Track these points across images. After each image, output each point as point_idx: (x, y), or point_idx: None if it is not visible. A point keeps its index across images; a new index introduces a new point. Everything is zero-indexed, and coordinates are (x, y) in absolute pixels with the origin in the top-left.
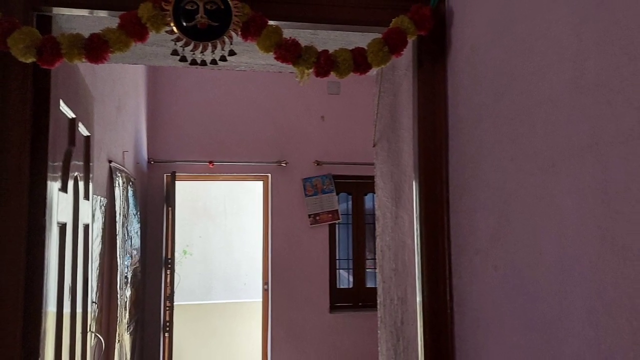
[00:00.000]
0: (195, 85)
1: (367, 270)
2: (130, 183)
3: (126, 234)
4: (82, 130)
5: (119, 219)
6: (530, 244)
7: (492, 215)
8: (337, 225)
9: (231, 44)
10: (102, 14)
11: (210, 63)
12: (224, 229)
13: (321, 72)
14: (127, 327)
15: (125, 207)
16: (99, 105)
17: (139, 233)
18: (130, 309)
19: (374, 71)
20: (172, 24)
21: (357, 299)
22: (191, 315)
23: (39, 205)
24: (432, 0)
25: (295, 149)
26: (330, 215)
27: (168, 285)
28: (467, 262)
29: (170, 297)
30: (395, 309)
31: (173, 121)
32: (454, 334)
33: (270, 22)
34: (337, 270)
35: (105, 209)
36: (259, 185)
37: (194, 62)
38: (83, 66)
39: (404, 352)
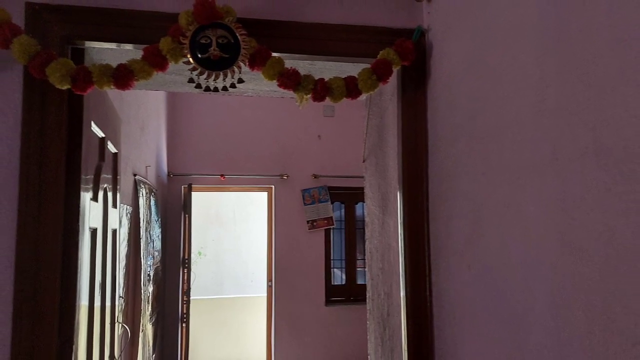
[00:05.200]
0: (209, 109)
1: (358, 269)
2: (153, 193)
3: (149, 238)
4: (111, 147)
5: (142, 224)
6: (499, 246)
7: (466, 221)
8: (331, 230)
9: (240, 73)
10: (128, 47)
11: (222, 89)
12: (234, 233)
13: (318, 97)
14: (150, 318)
15: (148, 215)
16: (125, 126)
17: (159, 237)
18: (152, 303)
19: (363, 96)
20: (188, 56)
21: (349, 294)
22: (205, 308)
23: (73, 213)
24: (414, 35)
25: (295, 164)
26: (325, 221)
27: (185, 282)
28: (444, 262)
29: (187, 292)
30: (382, 302)
31: (189, 140)
32: (433, 324)
33: (274, 54)
34: (332, 269)
35: (130, 216)
36: (263, 196)
37: (207, 89)
38: (111, 92)
39: (389, 340)
